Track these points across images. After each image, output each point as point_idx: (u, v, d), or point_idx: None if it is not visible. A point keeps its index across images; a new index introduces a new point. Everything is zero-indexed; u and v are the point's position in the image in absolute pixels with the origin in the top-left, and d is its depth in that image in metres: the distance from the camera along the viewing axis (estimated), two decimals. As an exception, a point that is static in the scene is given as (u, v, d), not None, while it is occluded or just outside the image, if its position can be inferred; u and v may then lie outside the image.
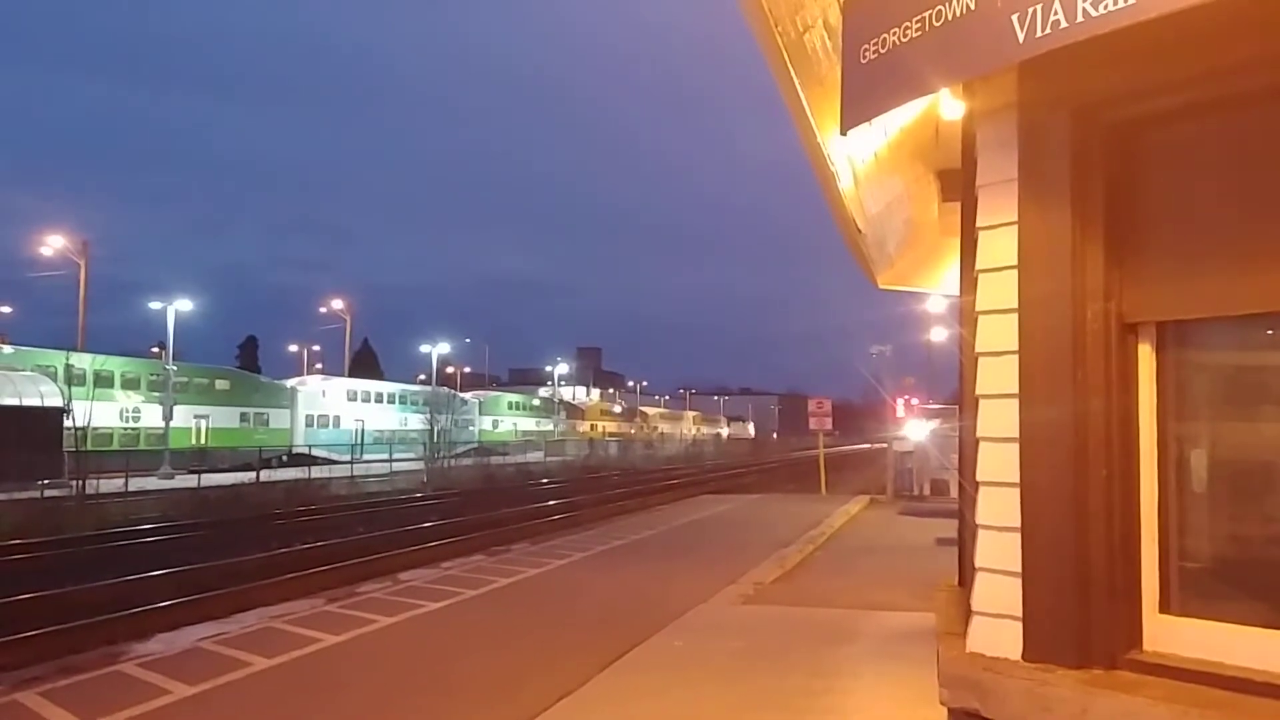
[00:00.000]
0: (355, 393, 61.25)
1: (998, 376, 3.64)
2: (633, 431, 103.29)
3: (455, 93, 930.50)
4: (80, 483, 25.79)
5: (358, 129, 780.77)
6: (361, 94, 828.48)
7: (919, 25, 3.33)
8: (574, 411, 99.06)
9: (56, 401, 33.14)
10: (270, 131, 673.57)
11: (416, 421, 53.25)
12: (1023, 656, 3.44)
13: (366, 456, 48.99)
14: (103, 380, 40.88)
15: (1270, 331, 3.36)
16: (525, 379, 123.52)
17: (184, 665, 7.82)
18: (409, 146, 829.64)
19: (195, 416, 46.75)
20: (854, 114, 3.77)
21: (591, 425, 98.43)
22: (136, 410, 43.63)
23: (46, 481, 26.77)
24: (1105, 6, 2.72)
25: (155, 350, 55.52)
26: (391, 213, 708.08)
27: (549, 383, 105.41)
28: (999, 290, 3.64)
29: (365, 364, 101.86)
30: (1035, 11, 2.91)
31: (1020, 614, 3.47)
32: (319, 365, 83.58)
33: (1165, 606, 3.38)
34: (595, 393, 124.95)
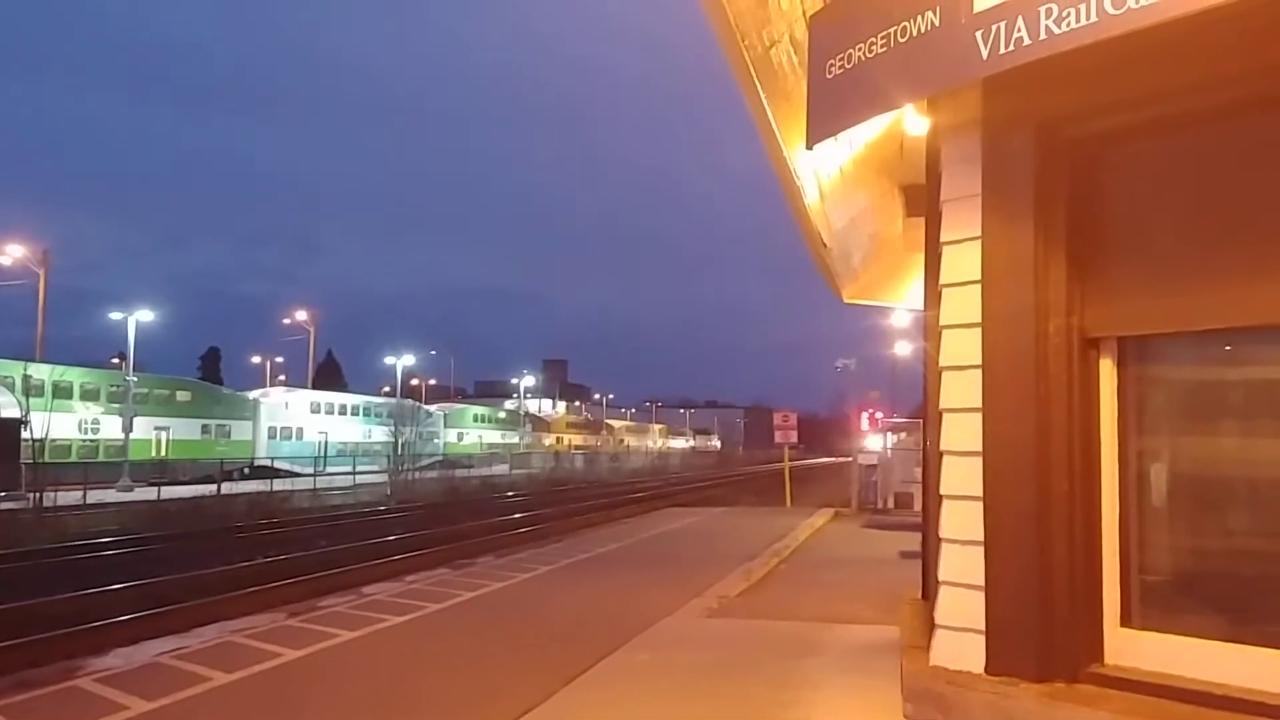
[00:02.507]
0: (319, 405, 60.72)
1: (961, 391, 3.66)
2: (599, 444, 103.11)
3: (423, 100, 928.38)
4: (37, 495, 25.39)
5: (325, 137, 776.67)
6: (329, 102, 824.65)
7: (884, 42, 3.36)
8: (540, 424, 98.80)
9: (14, 412, 32.52)
10: (236, 141, 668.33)
11: (381, 434, 52.98)
12: (985, 670, 3.45)
13: (330, 469, 48.58)
14: (61, 391, 40.14)
15: (1229, 347, 3.41)
16: (491, 391, 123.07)
17: (142, 680, 7.68)
18: (377, 155, 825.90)
19: (155, 428, 46.08)
20: (820, 129, 3.79)
21: (557, 438, 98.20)
22: (96, 422, 42.92)
23: (3, 494, 26.30)
24: (1068, 24, 2.76)
25: (115, 361, 54.60)
26: (358, 223, 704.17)
27: (515, 395, 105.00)
28: (963, 305, 3.67)
29: (329, 376, 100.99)
30: (999, 29, 2.94)
31: (983, 627, 3.49)
32: (282, 377, 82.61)
33: (1126, 620, 3.41)
34: (561, 405, 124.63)
